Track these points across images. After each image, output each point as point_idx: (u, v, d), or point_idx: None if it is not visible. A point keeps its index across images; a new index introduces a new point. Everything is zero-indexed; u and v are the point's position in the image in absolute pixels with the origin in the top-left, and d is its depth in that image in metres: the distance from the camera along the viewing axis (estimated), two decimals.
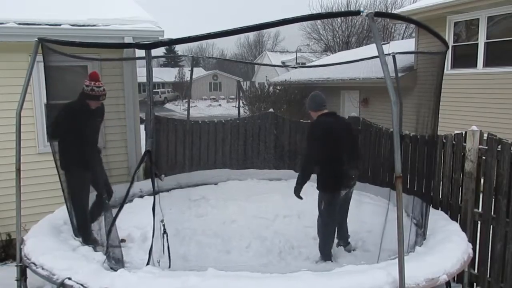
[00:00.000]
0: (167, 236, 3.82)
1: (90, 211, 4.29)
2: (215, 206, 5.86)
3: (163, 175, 5.74)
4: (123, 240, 4.61)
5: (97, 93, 4.27)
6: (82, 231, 4.09)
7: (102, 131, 4.71)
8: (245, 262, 4.33)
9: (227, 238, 4.89)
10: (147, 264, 3.26)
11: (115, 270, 3.08)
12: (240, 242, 4.79)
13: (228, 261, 4.31)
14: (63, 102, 4.30)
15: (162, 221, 3.70)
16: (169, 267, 3.73)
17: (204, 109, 37.63)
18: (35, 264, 3.26)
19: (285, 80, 17.15)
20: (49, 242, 3.59)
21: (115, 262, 3.49)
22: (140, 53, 4.96)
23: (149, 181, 4.00)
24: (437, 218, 4.16)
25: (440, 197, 4.55)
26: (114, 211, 3.40)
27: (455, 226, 3.96)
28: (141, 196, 5.84)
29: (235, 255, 4.54)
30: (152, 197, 3.24)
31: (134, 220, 4.84)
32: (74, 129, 4.10)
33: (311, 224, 5.30)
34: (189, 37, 2.78)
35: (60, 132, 4.16)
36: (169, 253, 3.82)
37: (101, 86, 4.29)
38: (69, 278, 2.95)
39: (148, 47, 2.83)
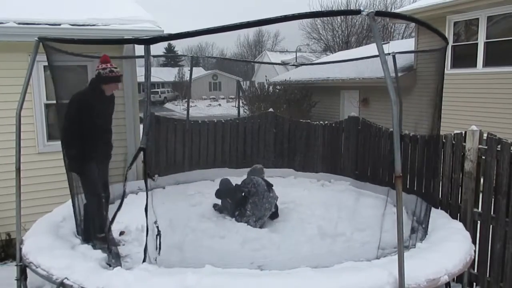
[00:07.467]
0: (160, 237, 3.81)
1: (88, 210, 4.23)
2: (210, 197, 5.85)
3: (156, 175, 5.73)
4: (122, 233, 4.60)
5: (117, 73, 4.00)
6: (95, 227, 4.00)
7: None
8: (240, 249, 4.36)
9: (222, 223, 5.00)
10: (143, 261, 3.24)
11: (113, 268, 3.07)
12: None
13: (223, 249, 4.30)
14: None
15: (155, 222, 3.68)
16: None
17: (203, 108, 37.60)
18: (34, 264, 3.27)
19: (285, 79, 17.15)
20: (47, 241, 3.59)
21: (114, 259, 3.50)
22: (140, 52, 4.95)
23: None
24: (439, 217, 4.16)
25: (440, 196, 4.55)
26: (112, 209, 3.39)
27: (459, 224, 3.96)
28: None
29: (230, 240, 4.56)
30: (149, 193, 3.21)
31: (132, 214, 4.77)
32: (89, 117, 3.85)
33: (307, 210, 5.48)
34: (188, 32, 2.77)
35: (75, 125, 3.85)
36: (160, 243, 3.80)
37: (116, 67, 4.04)
38: (66, 278, 2.95)
39: (146, 42, 2.82)
